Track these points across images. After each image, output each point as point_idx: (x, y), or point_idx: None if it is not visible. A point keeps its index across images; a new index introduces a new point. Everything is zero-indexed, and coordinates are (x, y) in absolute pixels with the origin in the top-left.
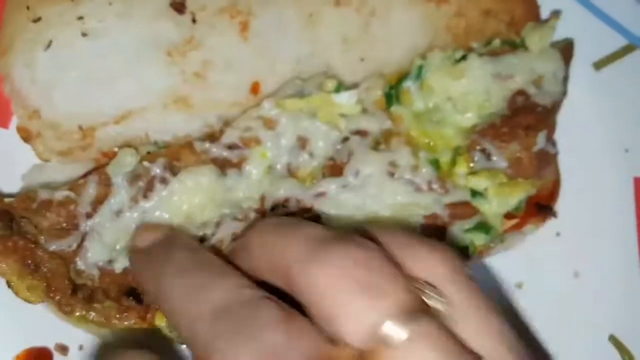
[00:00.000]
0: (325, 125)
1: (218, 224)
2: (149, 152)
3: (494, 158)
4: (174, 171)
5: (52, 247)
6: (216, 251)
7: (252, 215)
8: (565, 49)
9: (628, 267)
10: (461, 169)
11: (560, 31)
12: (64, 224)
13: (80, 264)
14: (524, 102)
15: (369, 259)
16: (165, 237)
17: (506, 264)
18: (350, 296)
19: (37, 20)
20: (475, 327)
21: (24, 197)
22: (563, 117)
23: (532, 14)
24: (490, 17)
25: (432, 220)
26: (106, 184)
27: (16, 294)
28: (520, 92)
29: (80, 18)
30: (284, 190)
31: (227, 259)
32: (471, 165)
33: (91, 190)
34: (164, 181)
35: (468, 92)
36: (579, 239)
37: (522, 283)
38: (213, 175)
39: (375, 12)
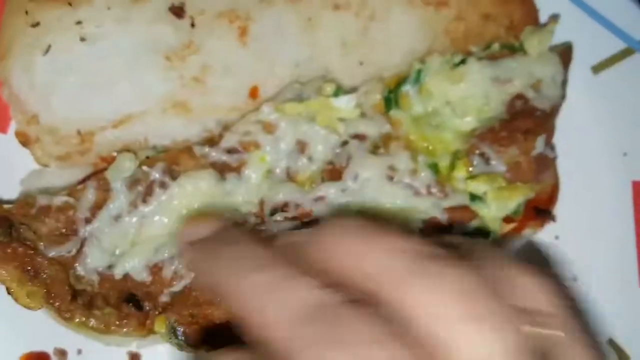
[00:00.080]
0: (324, 129)
1: None
2: (148, 157)
3: (493, 162)
4: (173, 175)
5: (52, 253)
6: None
7: (252, 219)
8: (564, 53)
9: (626, 271)
10: (460, 173)
11: (559, 35)
12: (63, 230)
13: (79, 270)
14: (523, 106)
15: (477, 285)
16: (225, 228)
17: None
18: (462, 326)
19: (35, 25)
20: None
21: (23, 204)
22: (562, 121)
23: (531, 18)
24: (489, 21)
25: (431, 224)
26: (105, 189)
27: (16, 300)
28: (519, 96)
29: (79, 23)
30: (283, 195)
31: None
32: (470, 169)
33: (90, 195)
34: (163, 186)
35: (467, 96)
36: (578, 242)
37: None
38: (212, 180)
39: (374, 16)
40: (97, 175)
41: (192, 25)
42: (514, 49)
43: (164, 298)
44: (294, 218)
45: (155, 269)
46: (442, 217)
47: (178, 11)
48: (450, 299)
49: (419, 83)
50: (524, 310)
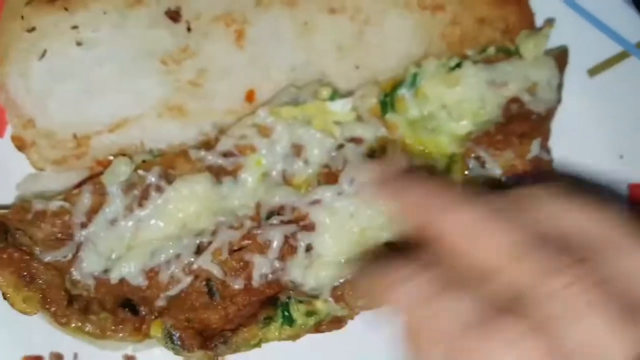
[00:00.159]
0: (320, 132)
1: (214, 233)
2: (144, 161)
3: (488, 165)
4: (169, 179)
5: (48, 258)
6: None
7: (248, 223)
8: (560, 56)
9: None
10: (456, 176)
11: (555, 38)
12: (59, 235)
13: (75, 274)
14: (519, 109)
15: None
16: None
17: None
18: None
19: (31, 30)
20: None
21: (19, 209)
22: (558, 124)
23: (527, 21)
24: (485, 25)
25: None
26: (101, 193)
27: (12, 305)
28: (515, 100)
29: (75, 27)
30: (279, 198)
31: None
32: (466, 172)
33: (86, 199)
34: (159, 189)
35: (463, 100)
36: None
37: None
38: (208, 183)
39: (370, 20)
40: (93, 179)
41: (188, 29)
42: (509, 53)
43: (160, 302)
44: (290, 221)
45: (152, 274)
46: None
47: (174, 15)
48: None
49: (414, 87)
50: None
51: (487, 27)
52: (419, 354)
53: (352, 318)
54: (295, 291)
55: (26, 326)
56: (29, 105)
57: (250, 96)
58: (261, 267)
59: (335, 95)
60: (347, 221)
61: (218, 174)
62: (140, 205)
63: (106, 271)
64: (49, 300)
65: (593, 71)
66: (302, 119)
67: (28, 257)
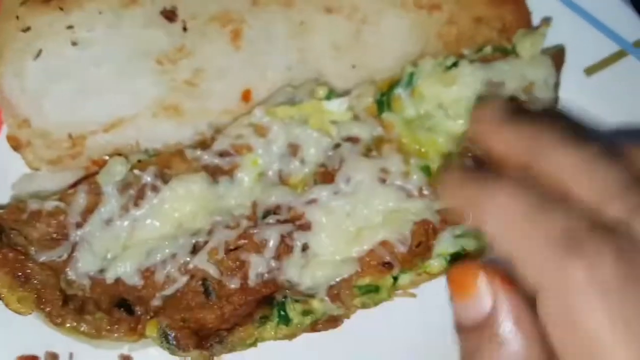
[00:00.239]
0: (317, 132)
1: (210, 232)
2: (139, 161)
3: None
4: (165, 179)
5: (43, 258)
6: None
7: (244, 222)
8: (557, 56)
9: None
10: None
11: (552, 37)
12: (54, 234)
13: (71, 274)
14: None
15: None
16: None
17: None
18: None
19: (26, 29)
20: None
21: (14, 208)
22: None
23: (524, 20)
24: (482, 24)
25: (423, 226)
26: (96, 193)
27: (7, 305)
28: (512, 99)
29: (70, 27)
30: (276, 197)
31: None
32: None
33: (81, 199)
34: (155, 189)
35: (459, 99)
36: None
37: None
38: (204, 183)
39: (367, 20)
40: (89, 179)
41: (184, 29)
42: (506, 52)
43: (155, 302)
44: (286, 221)
45: (147, 273)
46: (434, 219)
47: (170, 15)
48: None
49: (411, 86)
50: None
51: (484, 27)
52: (527, 260)
53: (348, 317)
54: (291, 290)
55: (22, 326)
56: (24, 105)
57: (246, 96)
58: (257, 266)
59: (332, 94)
60: (344, 220)
61: (214, 173)
62: (136, 205)
63: (102, 271)
64: (43, 300)
65: (590, 70)
66: (298, 119)
67: (23, 257)
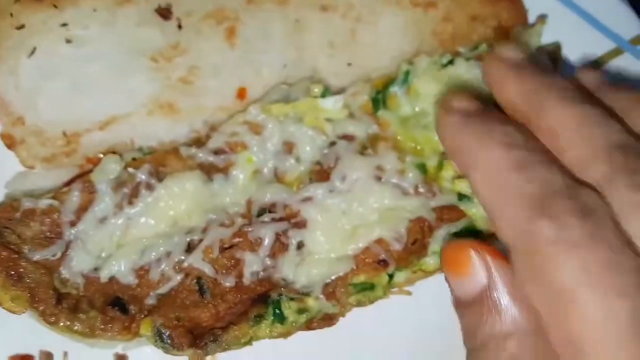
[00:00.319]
0: (312, 130)
1: (205, 230)
2: (134, 159)
3: None
4: (159, 177)
5: (36, 257)
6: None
7: (239, 220)
8: (553, 53)
9: None
10: (448, 172)
11: (548, 35)
12: (48, 233)
13: (64, 273)
14: None
15: None
16: (480, 107)
17: None
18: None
19: (20, 27)
20: None
21: (7, 207)
22: None
23: (520, 18)
24: (477, 22)
25: (419, 224)
26: (90, 191)
27: (0, 304)
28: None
29: (64, 25)
30: (271, 195)
31: None
32: (457, 169)
33: (75, 198)
34: (149, 187)
35: None
36: None
37: None
38: (199, 181)
39: (362, 18)
40: (83, 177)
41: (179, 26)
42: None
43: (150, 301)
44: (281, 219)
45: (142, 272)
46: (430, 216)
47: (164, 12)
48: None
49: (406, 84)
50: None
51: (480, 24)
52: (501, 213)
53: (343, 315)
54: (286, 289)
55: (16, 325)
56: (18, 102)
57: (241, 93)
58: (252, 264)
59: (327, 92)
60: (339, 218)
61: (209, 171)
62: (131, 203)
63: (96, 269)
64: (37, 299)
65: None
66: (293, 116)
67: (16, 256)
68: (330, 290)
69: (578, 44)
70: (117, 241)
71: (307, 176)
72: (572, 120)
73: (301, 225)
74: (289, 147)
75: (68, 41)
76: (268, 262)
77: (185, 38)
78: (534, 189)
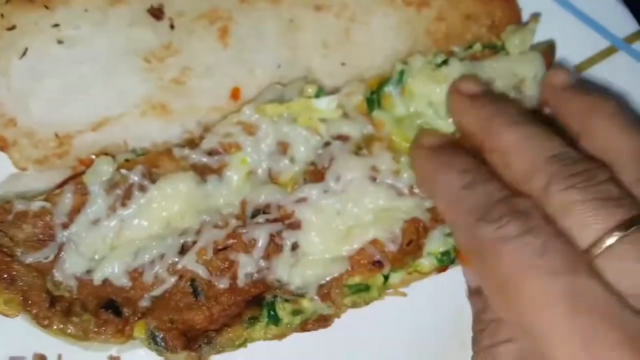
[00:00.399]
0: (306, 130)
1: (198, 232)
2: (127, 160)
3: None
4: (152, 178)
5: (29, 260)
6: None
7: (233, 222)
8: (547, 52)
9: None
10: None
11: (542, 34)
12: (41, 235)
13: (57, 275)
14: None
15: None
16: (443, 143)
17: None
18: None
19: (11, 28)
20: None
21: (0, 210)
22: None
23: (513, 17)
24: (471, 21)
25: (414, 225)
26: (83, 193)
27: None
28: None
29: (56, 25)
30: (265, 196)
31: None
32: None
33: (67, 200)
34: (142, 189)
35: None
36: None
37: None
38: (192, 182)
39: (356, 18)
40: (75, 179)
41: (172, 26)
42: (496, 49)
43: (143, 303)
44: (275, 220)
45: (135, 274)
46: (425, 217)
47: (157, 13)
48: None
49: (401, 84)
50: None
51: (473, 23)
52: (456, 225)
53: (338, 316)
54: (281, 290)
55: (9, 327)
56: (10, 104)
57: (235, 94)
58: (246, 266)
59: (321, 92)
60: (334, 219)
61: (203, 172)
62: (123, 204)
63: (89, 272)
64: (30, 302)
65: (581, 67)
66: (287, 117)
67: (9, 259)
68: (325, 291)
69: (572, 43)
70: (110, 243)
71: (301, 177)
72: (516, 140)
73: (295, 226)
74: (283, 148)
75: (60, 42)
76: (262, 263)
77: (177, 38)
78: (478, 201)
